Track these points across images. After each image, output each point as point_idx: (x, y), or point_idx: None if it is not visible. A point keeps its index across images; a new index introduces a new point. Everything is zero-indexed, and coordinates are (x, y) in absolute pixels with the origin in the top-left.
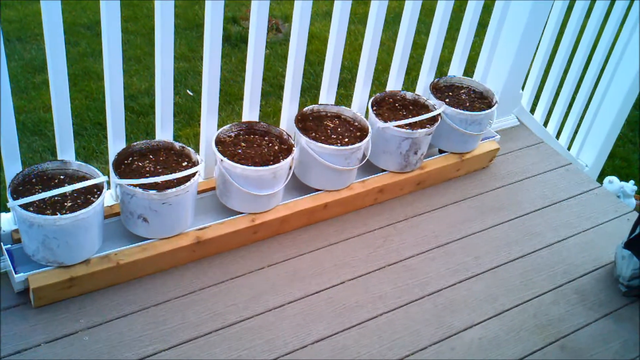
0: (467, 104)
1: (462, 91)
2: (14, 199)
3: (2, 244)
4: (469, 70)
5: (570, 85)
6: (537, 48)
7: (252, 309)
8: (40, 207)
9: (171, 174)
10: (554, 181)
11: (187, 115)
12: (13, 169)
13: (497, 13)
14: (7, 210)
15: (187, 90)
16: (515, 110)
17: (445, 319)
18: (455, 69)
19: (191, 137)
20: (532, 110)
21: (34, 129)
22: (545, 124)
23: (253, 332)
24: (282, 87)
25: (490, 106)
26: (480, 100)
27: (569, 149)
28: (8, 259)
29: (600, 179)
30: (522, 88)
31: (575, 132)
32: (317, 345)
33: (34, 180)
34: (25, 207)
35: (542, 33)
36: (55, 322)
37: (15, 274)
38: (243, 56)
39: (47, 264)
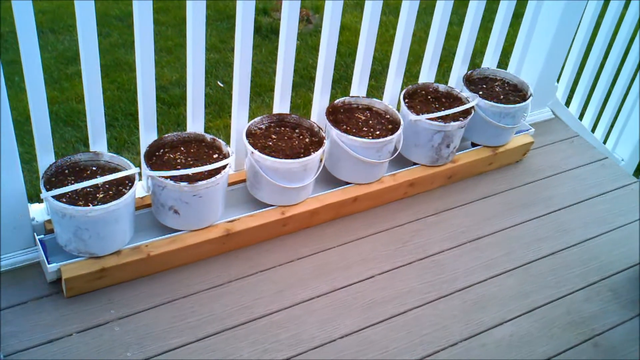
0: (501, 97)
1: (496, 83)
2: (47, 189)
3: (35, 234)
4: (503, 62)
5: (607, 77)
6: (573, 39)
7: (280, 302)
8: (72, 198)
9: (202, 166)
10: (587, 176)
11: (217, 107)
12: (46, 160)
13: (533, 3)
14: (40, 201)
15: (218, 82)
16: (550, 103)
17: (474, 315)
18: (489, 61)
19: (221, 129)
20: (568, 103)
21: (67, 120)
22: (581, 117)
23: (280, 325)
24: (312, 79)
25: (524, 99)
26: (515, 93)
27: (604, 142)
28: (41, 249)
29: (637, 173)
30: (558, 80)
31: (612, 125)
32: (344, 339)
33: (66, 171)
34: (58, 198)
35: (579, 24)
36: (87, 312)
37: (48, 264)
38: (274, 47)
39: (78, 254)
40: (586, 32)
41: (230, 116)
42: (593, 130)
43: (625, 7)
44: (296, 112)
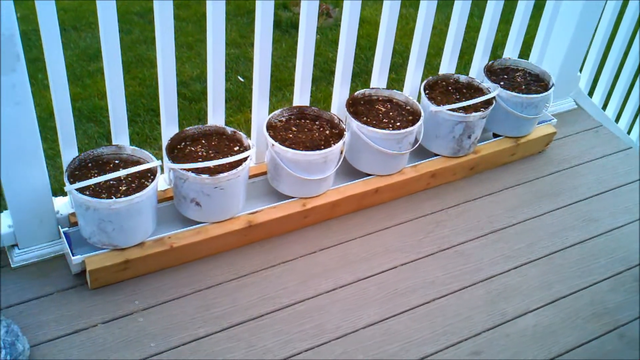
0: (523, 87)
1: (518, 74)
2: (71, 182)
3: (59, 227)
4: (524, 54)
5: (631, 66)
6: (595, 29)
7: (303, 292)
8: (95, 191)
9: (223, 158)
10: (612, 166)
11: (238, 102)
12: (70, 153)
13: None
14: (64, 194)
15: (238, 77)
16: (573, 93)
17: (498, 306)
18: (510, 52)
19: (242, 123)
20: (591, 93)
21: (89, 116)
22: (604, 107)
23: (304, 315)
24: (332, 73)
25: (546, 89)
26: (537, 83)
27: (629, 133)
28: (65, 241)
29: None
30: (580, 70)
31: (636, 115)
32: (368, 329)
33: (89, 164)
34: (81, 190)
35: (602, 13)
36: (111, 304)
37: (73, 256)
38: (294, 42)
39: (102, 246)
40: (609, 21)
41: (250, 111)
42: (617, 120)
43: None
44: (316, 106)
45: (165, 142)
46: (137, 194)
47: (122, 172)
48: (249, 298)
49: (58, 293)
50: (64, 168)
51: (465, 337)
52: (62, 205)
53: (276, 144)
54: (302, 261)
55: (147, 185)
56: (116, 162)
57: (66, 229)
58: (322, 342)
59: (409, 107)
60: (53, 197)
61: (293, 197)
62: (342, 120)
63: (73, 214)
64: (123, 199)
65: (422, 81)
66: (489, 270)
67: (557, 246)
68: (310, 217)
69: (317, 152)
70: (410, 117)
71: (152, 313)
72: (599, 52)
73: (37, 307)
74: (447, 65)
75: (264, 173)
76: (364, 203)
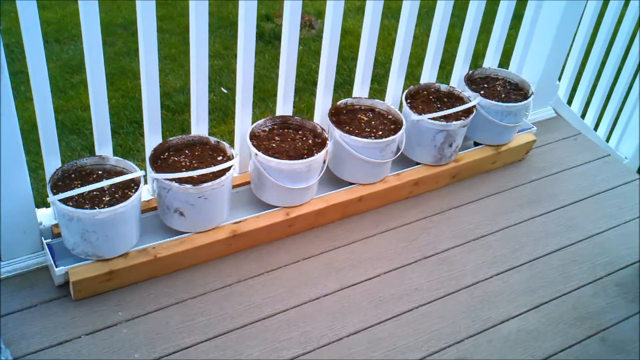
0: (503, 96)
1: (498, 83)
2: (54, 193)
3: (42, 238)
4: (505, 63)
5: (609, 75)
6: (574, 38)
7: (288, 301)
8: (79, 202)
9: (207, 168)
10: (592, 173)
11: (221, 113)
12: (53, 164)
13: (533, 3)
14: (47, 206)
15: (222, 88)
16: (552, 101)
17: (482, 312)
18: (490, 61)
19: (226, 134)
20: (570, 102)
21: (72, 128)
22: (583, 115)
23: (289, 324)
24: (315, 84)
25: (526, 97)
26: (516, 92)
27: (607, 140)
28: (48, 252)
29: None
30: (559, 79)
31: (614, 123)
32: (353, 337)
33: (73, 175)
34: (64, 201)
35: (580, 22)
36: (95, 315)
37: (56, 267)
38: (277, 53)
39: (86, 257)
40: (587, 31)
41: (234, 122)
42: (595, 128)
43: (626, 5)
44: (300, 117)
45: (148, 152)
46: (121, 204)
47: (105, 183)
48: (234, 307)
49: (42, 304)
50: (47, 179)
51: (450, 343)
52: (45, 216)
53: (260, 153)
54: (287, 270)
55: (130, 196)
56: (99, 172)
57: (49, 240)
58: (309, 349)
59: (390, 116)
60: (36, 209)
61: (277, 206)
62: (324, 130)
63: (56, 225)
64: (107, 209)
65: (403, 90)
66: (473, 277)
67: (539, 252)
68: (295, 225)
69: (301, 161)
70: (392, 126)
71: (136, 324)
72: (577, 61)
73: (20, 319)
74: (429, 75)
75: (248, 182)
76: (348, 211)
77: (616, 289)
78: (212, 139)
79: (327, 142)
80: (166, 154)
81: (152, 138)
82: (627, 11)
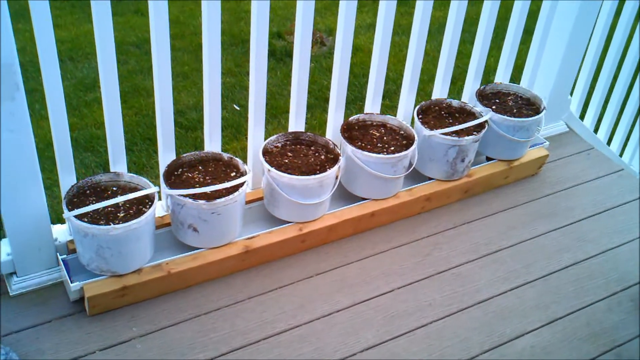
0: (515, 111)
1: (509, 98)
2: (69, 210)
3: (58, 254)
4: (516, 79)
5: (621, 89)
6: (585, 52)
7: (301, 317)
8: (94, 218)
9: (220, 184)
10: (605, 188)
11: (234, 129)
12: (68, 181)
13: (544, 17)
14: (62, 222)
15: (234, 105)
16: (564, 116)
17: (495, 327)
18: (501, 76)
19: (238, 151)
20: (582, 116)
21: (86, 145)
22: (596, 130)
23: (302, 340)
24: (327, 100)
25: (538, 112)
26: (528, 107)
27: (620, 155)
28: (64, 268)
29: None
30: (571, 94)
31: (627, 137)
32: (365, 353)
33: (88, 191)
34: (79, 217)
35: (591, 36)
36: (109, 330)
37: (71, 283)
38: (288, 70)
39: (100, 273)
40: (598, 45)
41: (246, 138)
42: (608, 143)
43: (637, 19)
44: (312, 133)
45: (162, 168)
46: (135, 220)
47: (120, 199)
48: (247, 323)
49: (56, 320)
50: (62, 195)
51: (464, 358)
52: (60, 232)
53: (272, 169)
54: (299, 285)
55: (145, 212)
56: (114, 189)
57: (64, 256)
58: None
59: (402, 132)
60: (51, 225)
61: (290, 222)
62: (337, 145)
63: (71, 241)
64: (121, 225)
65: (415, 106)
66: (486, 292)
67: (553, 267)
68: (308, 241)
69: (313, 176)
70: (404, 142)
71: (150, 339)
72: (589, 75)
73: (35, 334)
74: (440, 90)
75: (261, 198)
76: (360, 227)
77: (630, 304)
78: (225, 155)
79: (340, 157)
80: (180, 170)
81: (166, 154)
82: (639, 25)
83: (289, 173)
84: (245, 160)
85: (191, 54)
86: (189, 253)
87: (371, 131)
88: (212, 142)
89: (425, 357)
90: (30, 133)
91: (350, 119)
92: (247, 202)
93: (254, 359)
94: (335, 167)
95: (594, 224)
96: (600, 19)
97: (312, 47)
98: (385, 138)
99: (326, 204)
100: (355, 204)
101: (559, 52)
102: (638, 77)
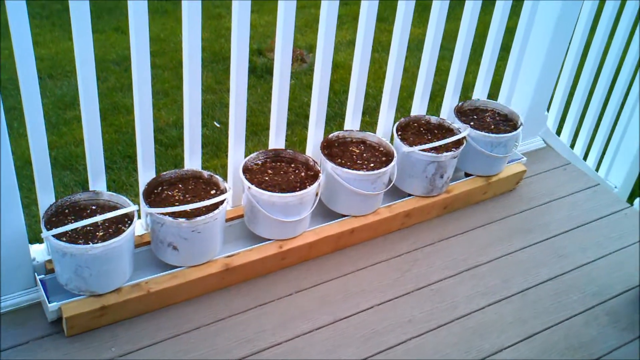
0: (492, 127)
1: (487, 114)
2: (48, 229)
3: (36, 274)
4: (494, 95)
5: (597, 105)
6: (561, 69)
7: (282, 334)
8: (72, 237)
9: (200, 201)
10: (582, 202)
11: (214, 147)
12: (47, 200)
13: (521, 34)
14: (40, 242)
15: (215, 122)
16: (541, 132)
17: (474, 343)
18: (479, 92)
19: (218, 168)
20: (559, 132)
21: (65, 164)
22: (572, 145)
23: (283, 358)
24: (307, 117)
25: (515, 128)
26: (506, 123)
27: (597, 170)
28: (42, 288)
29: (631, 199)
30: (548, 110)
31: (603, 152)
32: None
33: (66, 210)
34: (58, 237)
35: (566, 53)
36: (88, 351)
37: (49, 303)
38: (269, 87)
39: (79, 293)
40: (574, 62)
41: (226, 156)
42: (585, 158)
43: (611, 36)
44: (292, 150)
45: (142, 186)
46: (114, 239)
47: (99, 218)
48: (227, 341)
49: (34, 341)
50: (41, 214)
51: None
52: (38, 252)
53: (252, 186)
54: (280, 303)
55: (124, 230)
56: (93, 207)
57: (42, 276)
58: None
59: (382, 148)
60: (29, 245)
61: (270, 239)
62: (317, 162)
63: (49, 261)
64: (100, 244)
65: (394, 123)
66: (465, 308)
67: (530, 282)
68: (288, 258)
69: (293, 194)
70: (384, 158)
71: (130, 359)
72: (565, 91)
73: (13, 356)
74: (419, 107)
75: (241, 216)
76: (341, 244)
77: (607, 318)
78: (205, 173)
79: (320, 174)
80: (159, 188)
81: (146, 173)
82: (613, 41)
83: (269, 190)
84: (225, 178)
85: (171, 71)
86: (169, 272)
87: (351, 148)
88: (192, 160)
89: None
90: (8, 151)
91: (330, 135)
92: (228, 220)
93: None
94: (316, 184)
95: (570, 239)
96: (576, 36)
97: (292, 64)
98: (365, 155)
99: (306, 221)
100: (336, 220)
101: (535, 69)
102: (613, 92)
